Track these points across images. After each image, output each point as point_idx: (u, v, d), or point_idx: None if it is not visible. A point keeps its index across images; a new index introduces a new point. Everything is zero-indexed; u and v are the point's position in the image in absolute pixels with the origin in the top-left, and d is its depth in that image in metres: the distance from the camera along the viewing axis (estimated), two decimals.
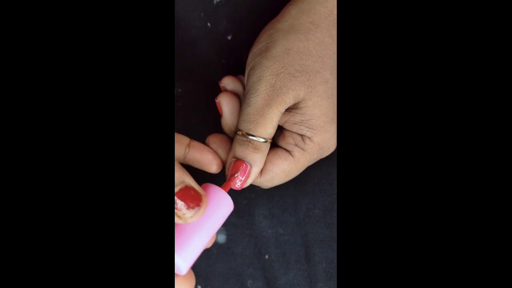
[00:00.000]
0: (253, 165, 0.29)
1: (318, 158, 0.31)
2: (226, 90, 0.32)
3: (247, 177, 0.30)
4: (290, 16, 0.29)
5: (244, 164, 0.29)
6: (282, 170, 0.30)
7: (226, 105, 0.31)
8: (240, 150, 0.29)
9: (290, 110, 0.29)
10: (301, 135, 0.29)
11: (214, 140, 0.31)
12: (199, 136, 0.35)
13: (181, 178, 0.26)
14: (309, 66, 0.28)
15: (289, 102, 0.28)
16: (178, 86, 0.36)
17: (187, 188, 0.26)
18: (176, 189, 0.26)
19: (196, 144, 0.31)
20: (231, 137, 0.32)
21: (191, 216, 0.26)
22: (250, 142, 0.29)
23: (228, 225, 0.36)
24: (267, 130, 0.29)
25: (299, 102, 0.29)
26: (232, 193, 0.36)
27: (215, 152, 0.31)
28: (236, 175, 0.29)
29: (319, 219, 0.35)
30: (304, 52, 0.28)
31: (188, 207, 0.25)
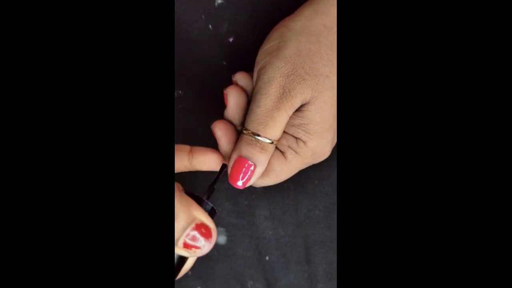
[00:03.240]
0: (258, 165, 0.29)
1: (311, 163, 0.31)
2: (237, 84, 0.32)
3: (251, 176, 0.29)
4: (303, 16, 0.29)
5: (248, 163, 0.29)
6: (272, 169, 0.30)
7: (232, 98, 0.31)
8: (246, 149, 0.29)
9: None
10: (296, 138, 0.29)
11: (220, 126, 0.31)
12: (200, 138, 0.35)
13: (192, 214, 0.26)
14: (319, 70, 0.28)
15: (296, 106, 0.28)
16: (179, 89, 0.36)
17: (198, 226, 0.26)
18: (190, 229, 0.26)
19: (197, 148, 0.31)
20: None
21: (202, 251, 0.26)
22: (257, 142, 0.29)
23: (228, 226, 0.36)
24: (276, 132, 0.28)
25: (302, 105, 0.29)
26: (233, 193, 0.36)
27: (217, 151, 0.31)
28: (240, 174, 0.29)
29: (320, 220, 0.35)
30: (315, 55, 0.28)
31: (200, 247, 0.26)
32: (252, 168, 0.29)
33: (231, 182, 0.30)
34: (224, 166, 0.31)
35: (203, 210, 0.27)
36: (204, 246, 0.26)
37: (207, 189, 0.30)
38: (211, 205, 0.28)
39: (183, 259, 0.28)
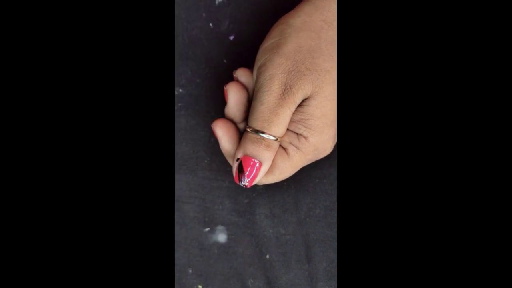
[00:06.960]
0: (263, 162, 0.29)
1: (314, 159, 0.31)
2: (237, 81, 0.32)
3: (256, 175, 0.29)
4: (303, 12, 0.29)
5: (253, 161, 0.29)
6: (276, 166, 0.30)
7: (233, 94, 0.31)
8: (252, 148, 0.29)
9: None
10: (298, 134, 0.29)
11: (221, 125, 0.31)
12: (200, 136, 0.36)
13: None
14: (320, 65, 0.28)
15: (298, 101, 0.28)
16: (179, 87, 0.36)
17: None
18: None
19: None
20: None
21: None
22: (263, 139, 0.29)
23: (229, 225, 0.36)
24: (280, 129, 0.28)
25: (303, 101, 0.29)
26: (233, 192, 0.36)
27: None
28: (246, 172, 0.29)
29: (320, 219, 0.35)
30: (315, 50, 0.28)
31: None
32: (257, 166, 0.29)
33: (236, 181, 0.30)
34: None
35: None
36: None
37: None
38: None
39: None
